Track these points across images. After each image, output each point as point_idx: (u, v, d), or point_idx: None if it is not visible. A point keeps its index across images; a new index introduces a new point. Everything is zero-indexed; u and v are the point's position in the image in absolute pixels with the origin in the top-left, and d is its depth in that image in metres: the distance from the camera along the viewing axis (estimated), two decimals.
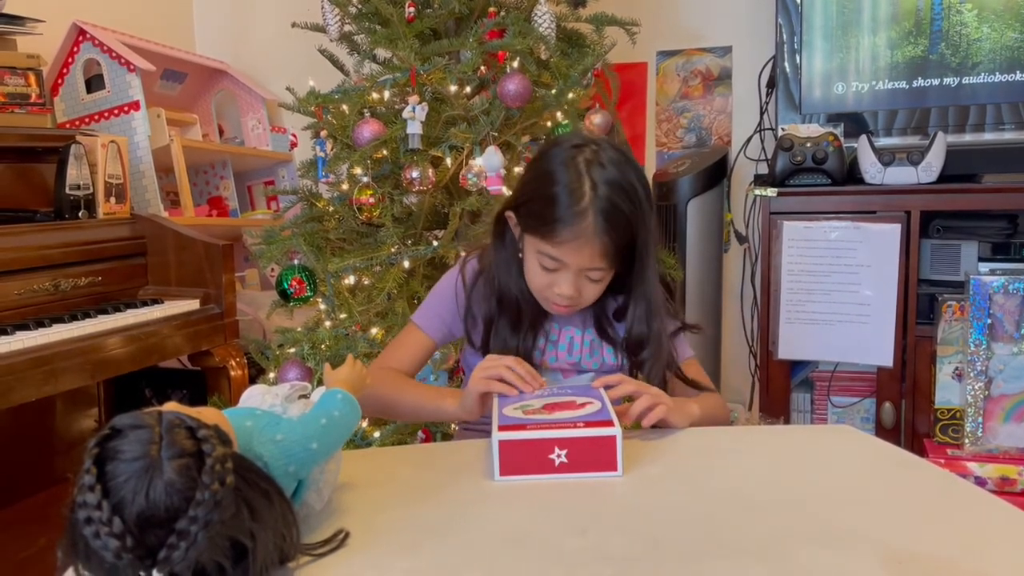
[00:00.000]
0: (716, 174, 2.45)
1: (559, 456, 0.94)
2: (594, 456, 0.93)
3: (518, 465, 0.94)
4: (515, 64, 1.79)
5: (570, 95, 1.90)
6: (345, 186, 1.85)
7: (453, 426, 1.46)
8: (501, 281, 1.22)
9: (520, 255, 1.20)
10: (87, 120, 2.40)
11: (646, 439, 1.06)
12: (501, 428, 0.95)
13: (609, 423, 0.94)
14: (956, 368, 1.82)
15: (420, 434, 1.74)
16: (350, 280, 1.83)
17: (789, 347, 2.09)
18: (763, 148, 2.58)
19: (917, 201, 1.98)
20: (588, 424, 0.94)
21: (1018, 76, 2.11)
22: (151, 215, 2.21)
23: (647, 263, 1.16)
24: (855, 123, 2.23)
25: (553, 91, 1.87)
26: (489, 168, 1.74)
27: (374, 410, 1.28)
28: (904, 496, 0.88)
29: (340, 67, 2.09)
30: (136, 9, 2.78)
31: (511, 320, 1.21)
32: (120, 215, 2.12)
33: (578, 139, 1.16)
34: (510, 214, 1.21)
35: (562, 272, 1.13)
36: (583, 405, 1.00)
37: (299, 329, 1.91)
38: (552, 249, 1.12)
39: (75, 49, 2.39)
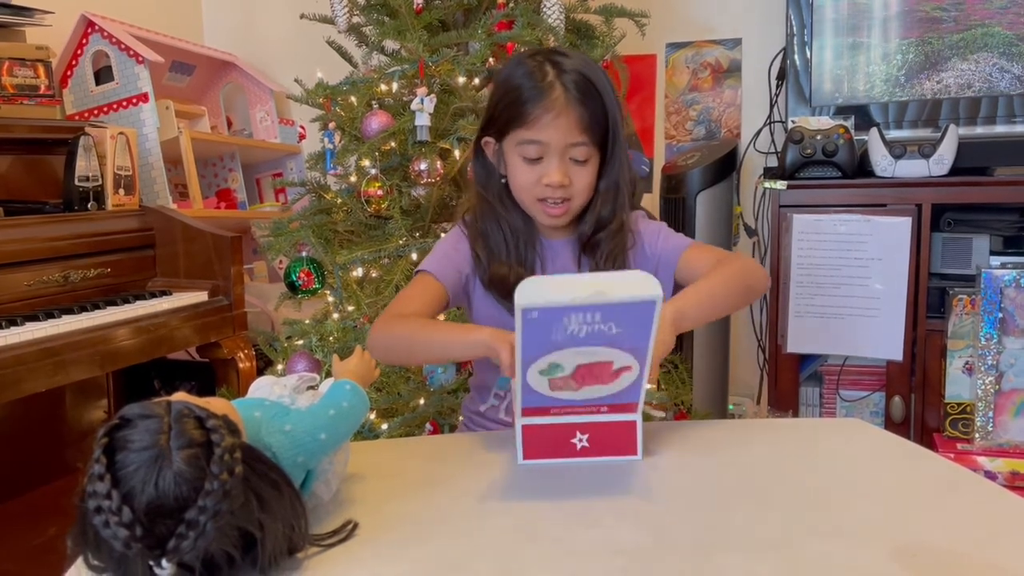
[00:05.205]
0: (725, 167, 2.44)
1: (580, 440, 0.95)
2: (614, 440, 0.95)
3: (541, 449, 0.95)
4: None
5: None
6: (353, 178, 1.85)
7: (460, 418, 1.46)
8: (489, 226, 1.19)
9: (503, 179, 1.17)
10: (96, 112, 2.40)
11: (656, 432, 1.06)
12: (525, 412, 0.95)
13: (631, 407, 0.94)
14: (966, 362, 1.81)
15: (428, 426, 1.74)
16: (358, 272, 1.83)
17: (798, 341, 2.08)
18: (773, 141, 2.57)
19: (928, 194, 1.96)
20: (611, 408, 0.94)
21: None
22: (160, 207, 2.22)
23: (618, 141, 1.14)
24: (865, 115, 2.21)
25: None
26: None
27: (393, 355, 1.17)
28: (914, 489, 0.88)
29: (348, 59, 2.08)
30: (144, 1, 2.78)
31: (505, 259, 1.18)
32: (129, 207, 2.12)
33: (531, 50, 1.18)
34: (486, 140, 1.18)
35: (546, 158, 1.11)
36: (618, 373, 0.89)
37: (307, 321, 1.91)
38: (529, 132, 1.10)
39: (84, 41, 2.39)
